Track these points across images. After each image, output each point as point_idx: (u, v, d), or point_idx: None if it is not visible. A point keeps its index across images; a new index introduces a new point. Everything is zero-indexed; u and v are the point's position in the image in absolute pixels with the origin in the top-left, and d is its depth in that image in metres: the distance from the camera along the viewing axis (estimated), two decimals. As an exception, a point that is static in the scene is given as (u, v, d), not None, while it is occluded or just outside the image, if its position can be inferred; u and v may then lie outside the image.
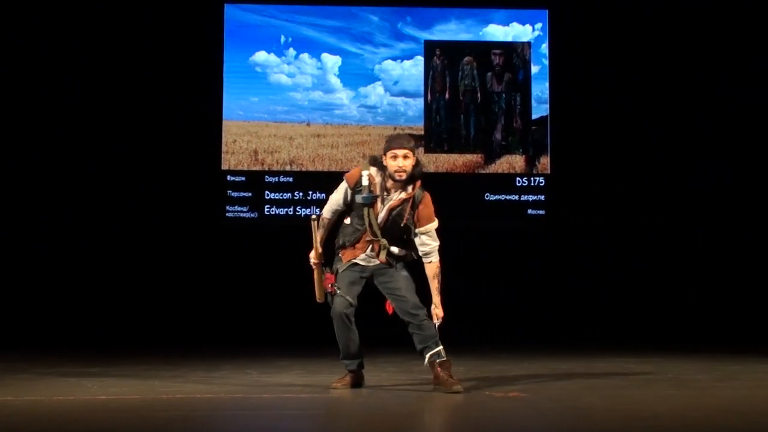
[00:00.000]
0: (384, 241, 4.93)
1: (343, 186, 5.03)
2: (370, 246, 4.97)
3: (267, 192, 9.11)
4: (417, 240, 4.99)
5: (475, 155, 9.34)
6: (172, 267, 8.86)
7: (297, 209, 9.10)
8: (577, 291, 9.13)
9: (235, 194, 9.08)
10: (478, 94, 9.40)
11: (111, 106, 8.98)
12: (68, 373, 5.70)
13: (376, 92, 9.37)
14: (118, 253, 8.84)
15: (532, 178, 9.28)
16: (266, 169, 9.15)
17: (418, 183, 4.97)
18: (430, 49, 9.42)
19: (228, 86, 9.17)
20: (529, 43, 9.46)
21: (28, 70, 8.91)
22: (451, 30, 9.48)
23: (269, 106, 9.26)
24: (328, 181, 9.20)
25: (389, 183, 4.92)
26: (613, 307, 9.07)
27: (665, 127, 9.35)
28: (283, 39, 9.33)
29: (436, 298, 4.99)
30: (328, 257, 5.15)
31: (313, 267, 5.03)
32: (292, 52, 9.33)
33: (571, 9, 9.44)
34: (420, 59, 9.40)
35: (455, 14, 9.48)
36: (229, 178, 9.10)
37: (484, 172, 9.32)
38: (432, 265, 4.99)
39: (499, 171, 9.30)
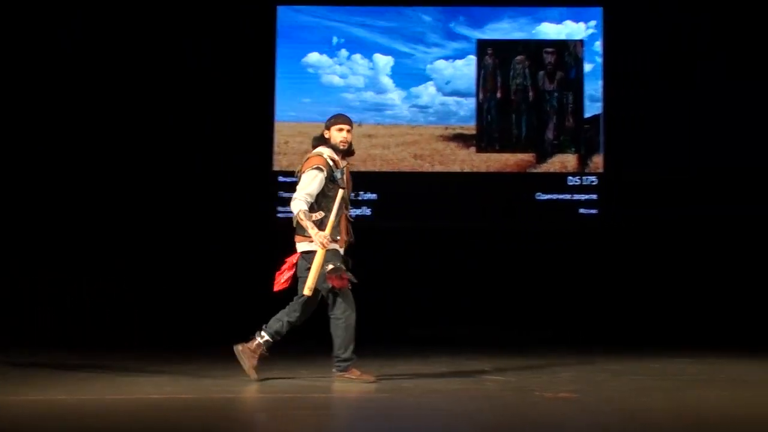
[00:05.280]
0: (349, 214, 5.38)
1: (318, 175, 5.17)
2: (346, 226, 5.33)
3: (319, 192, 9.14)
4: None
5: (526, 154, 9.29)
6: (223, 267, 8.96)
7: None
8: (630, 291, 9.02)
9: (286, 195, 9.15)
10: (530, 93, 9.34)
11: (163, 107, 9.12)
12: (123, 372, 5.79)
13: (428, 92, 9.37)
14: (169, 253, 8.97)
15: (584, 177, 9.20)
16: (318, 169, 9.20)
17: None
18: (482, 48, 9.39)
19: (280, 87, 9.25)
20: (581, 41, 9.37)
21: (75, 72, 9.06)
22: (504, 28, 9.43)
23: (321, 106, 9.32)
24: (379, 181, 9.30)
25: (335, 156, 5.29)
26: (667, 307, 8.94)
27: (720, 125, 9.17)
28: (335, 40, 9.38)
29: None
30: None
31: (323, 250, 5.11)
32: (344, 52, 9.38)
33: (625, 6, 9.32)
34: (472, 58, 9.37)
35: (508, 13, 9.44)
36: (280, 179, 9.18)
37: (535, 171, 9.26)
38: None
39: (551, 170, 9.23)
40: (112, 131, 9.08)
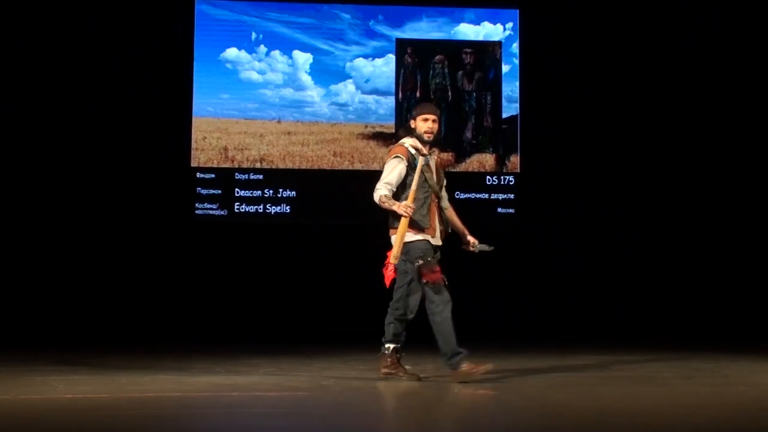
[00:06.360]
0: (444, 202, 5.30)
1: (398, 165, 5.13)
2: (438, 215, 5.20)
3: (237, 189, 9.07)
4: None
5: (445, 153, 9.35)
6: (141, 264, 8.80)
7: (267, 207, 9.07)
8: (547, 289, 9.18)
9: (204, 191, 9.03)
10: (449, 93, 9.42)
11: (82, 101, 8.89)
12: (36, 371, 5.62)
13: (347, 90, 9.35)
14: (86, 250, 8.76)
15: (502, 177, 9.32)
16: (236, 166, 9.11)
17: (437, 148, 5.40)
18: (402, 47, 9.42)
19: (198, 83, 9.11)
20: (499, 42, 9.49)
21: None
22: (423, 28, 9.49)
23: (240, 103, 9.22)
24: (299, 178, 9.25)
25: (418, 145, 5.23)
26: (582, 304, 9.14)
27: (634, 126, 9.42)
28: (254, 36, 9.29)
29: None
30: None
31: (406, 218, 5.02)
32: (263, 49, 9.29)
33: (541, 9, 9.49)
34: (391, 57, 9.40)
35: (427, 13, 9.49)
36: (198, 175, 9.05)
37: (454, 170, 9.34)
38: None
39: (470, 169, 9.33)
40: (26, 126, 8.80)
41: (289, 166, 9.17)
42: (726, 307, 9.05)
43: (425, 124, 5.25)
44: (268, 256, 9.04)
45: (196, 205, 8.99)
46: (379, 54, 9.41)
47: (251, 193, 9.07)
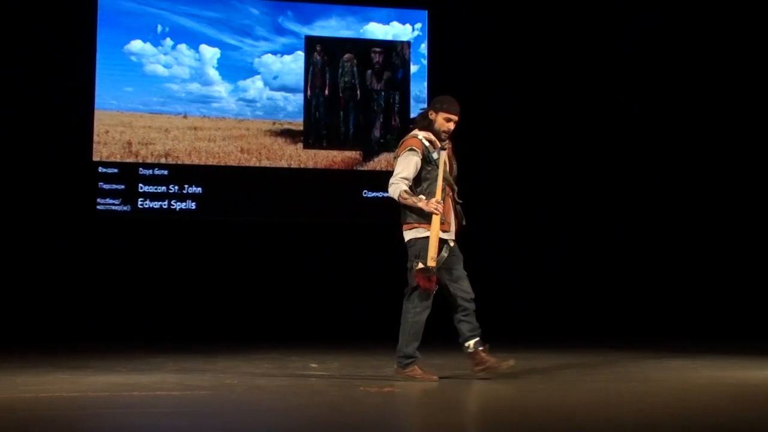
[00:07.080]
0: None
1: (413, 158, 4.99)
2: (453, 208, 5.07)
3: (141, 185, 8.88)
4: None
5: (353, 152, 9.39)
6: (40, 261, 8.54)
7: (172, 203, 8.91)
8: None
9: (106, 186, 8.81)
10: (358, 92, 9.44)
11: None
12: None
13: (255, 86, 9.27)
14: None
15: (409, 176, 9.37)
16: (140, 161, 8.93)
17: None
18: (311, 44, 9.39)
19: (101, 75, 8.89)
20: (408, 42, 9.56)
21: None
22: (332, 26, 9.48)
23: (144, 96, 9.03)
24: (205, 174, 9.13)
25: (432, 138, 5.09)
26: (487, 303, 9.24)
27: (542, 127, 9.60)
28: (159, 28, 9.11)
29: None
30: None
31: (437, 216, 4.93)
32: (169, 42, 9.12)
33: (450, 10, 9.59)
34: (300, 54, 9.36)
35: (336, 11, 9.49)
36: (100, 169, 8.82)
37: (362, 169, 9.37)
38: None
39: (378, 168, 9.37)
40: None
41: (195, 161, 9.04)
42: (651, 306, 9.29)
43: (447, 124, 5.12)
44: (173, 253, 8.89)
45: (98, 200, 8.76)
46: (287, 51, 9.36)
47: (156, 189, 8.90)
